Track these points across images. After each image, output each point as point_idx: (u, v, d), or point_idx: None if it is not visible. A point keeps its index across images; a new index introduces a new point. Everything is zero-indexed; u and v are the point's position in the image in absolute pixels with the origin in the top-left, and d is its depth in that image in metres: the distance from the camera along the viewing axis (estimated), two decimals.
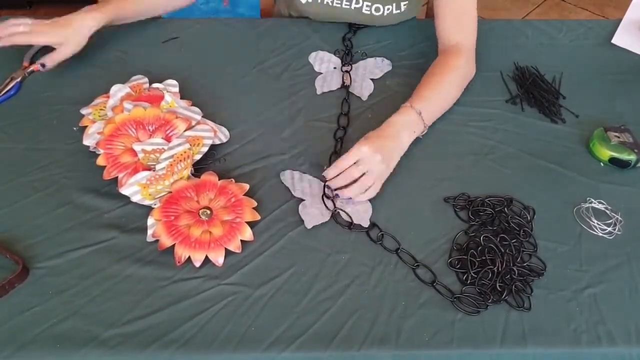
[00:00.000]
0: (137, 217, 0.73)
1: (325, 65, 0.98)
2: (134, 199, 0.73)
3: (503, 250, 0.71)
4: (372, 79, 0.96)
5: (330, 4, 1.02)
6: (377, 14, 1.02)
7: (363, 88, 0.94)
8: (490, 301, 0.66)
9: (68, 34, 0.86)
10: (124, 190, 0.73)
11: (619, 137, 0.83)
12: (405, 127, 0.80)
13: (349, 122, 0.88)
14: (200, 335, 0.63)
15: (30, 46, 0.98)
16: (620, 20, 1.11)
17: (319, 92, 0.93)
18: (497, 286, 0.67)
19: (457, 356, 0.63)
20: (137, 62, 0.98)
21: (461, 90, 0.91)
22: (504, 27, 1.09)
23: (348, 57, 1.00)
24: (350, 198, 0.75)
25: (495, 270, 0.69)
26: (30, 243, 0.71)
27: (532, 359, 0.64)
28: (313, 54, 1.00)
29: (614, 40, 1.06)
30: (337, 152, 0.83)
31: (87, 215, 0.74)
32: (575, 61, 1.01)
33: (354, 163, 0.75)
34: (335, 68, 0.98)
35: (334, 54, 1.00)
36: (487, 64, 0.99)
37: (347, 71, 0.97)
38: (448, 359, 0.64)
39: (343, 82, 0.95)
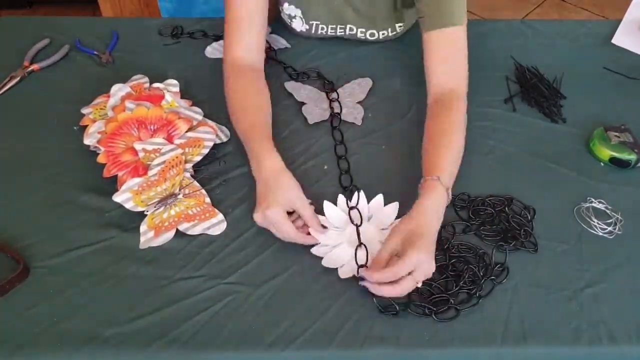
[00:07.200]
0: (137, 217, 0.73)
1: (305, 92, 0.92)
2: (127, 206, 0.73)
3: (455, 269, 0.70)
4: (359, 102, 0.91)
5: (325, 33, 1.00)
6: (372, 38, 1.01)
7: (356, 114, 0.89)
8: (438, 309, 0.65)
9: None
10: (117, 198, 0.73)
11: (619, 137, 0.83)
12: (439, 210, 0.71)
13: (347, 150, 0.84)
14: (201, 335, 0.63)
15: (31, 46, 0.98)
16: (620, 20, 1.11)
17: (310, 122, 0.88)
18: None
19: (457, 355, 0.63)
20: (137, 62, 0.98)
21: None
22: (504, 27, 1.10)
23: (329, 84, 0.94)
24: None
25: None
26: (31, 242, 0.71)
27: (532, 359, 0.64)
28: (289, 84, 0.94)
29: (614, 40, 1.06)
30: (345, 189, 0.78)
31: (87, 215, 0.74)
32: (575, 61, 1.01)
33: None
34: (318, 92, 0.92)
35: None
36: (487, 64, 0.99)
37: (334, 99, 0.91)
38: (448, 359, 0.64)
39: (332, 109, 0.89)
